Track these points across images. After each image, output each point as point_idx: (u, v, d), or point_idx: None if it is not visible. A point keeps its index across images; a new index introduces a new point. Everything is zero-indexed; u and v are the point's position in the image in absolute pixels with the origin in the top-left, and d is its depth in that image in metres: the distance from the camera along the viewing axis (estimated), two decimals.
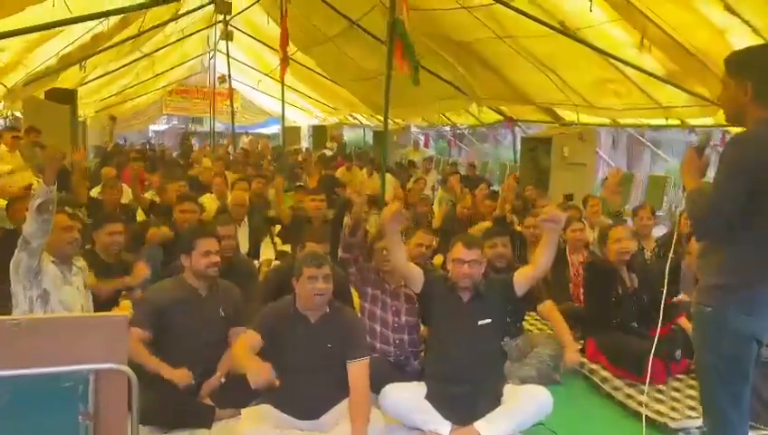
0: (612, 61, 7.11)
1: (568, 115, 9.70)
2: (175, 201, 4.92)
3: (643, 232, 4.89)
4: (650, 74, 6.65)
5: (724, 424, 2.17)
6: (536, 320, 4.57)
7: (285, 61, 10.15)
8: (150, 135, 30.06)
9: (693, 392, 3.44)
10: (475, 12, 7.82)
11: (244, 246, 5.58)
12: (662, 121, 8.19)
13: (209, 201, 6.61)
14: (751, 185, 2.04)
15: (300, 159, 14.61)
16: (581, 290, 4.37)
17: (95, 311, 3.45)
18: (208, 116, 20.70)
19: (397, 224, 3.11)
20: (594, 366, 3.78)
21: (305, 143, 23.51)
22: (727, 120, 2.27)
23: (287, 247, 5.77)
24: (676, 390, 3.50)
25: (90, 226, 3.88)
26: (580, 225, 4.65)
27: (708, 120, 7.58)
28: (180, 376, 2.98)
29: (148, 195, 6.23)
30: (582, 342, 4.03)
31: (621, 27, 6.54)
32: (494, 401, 2.99)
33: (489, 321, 3.12)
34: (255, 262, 5.38)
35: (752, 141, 2.07)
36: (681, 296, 4.27)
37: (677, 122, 8.02)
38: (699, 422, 3.06)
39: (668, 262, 2.81)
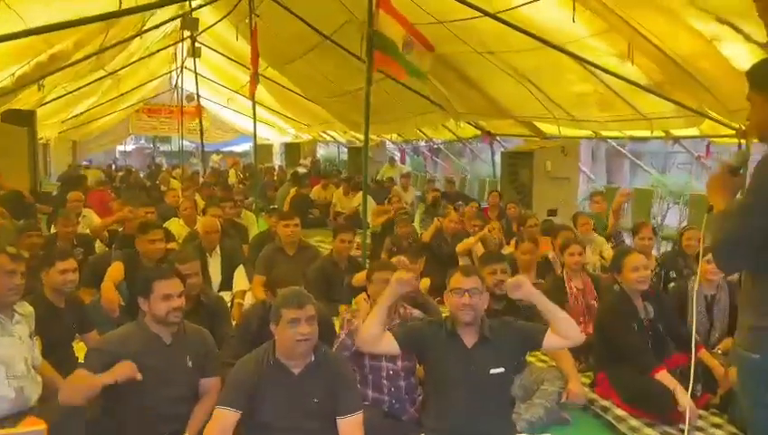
0: (595, 73, 6.92)
1: (548, 128, 9.50)
2: (137, 230, 4.46)
3: (644, 252, 4.60)
4: (636, 84, 6.45)
5: None
6: (535, 353, 4.18)
7: (255, 77, 9.75)
8: (116, 156, 29.34)
9: (719, 432, 3.12)
10: (451, 27, 7.58)
11: (216, 277, 5.15)
12: (646, 133, 8.00)
13: (177, 227, 6.18)
14: None
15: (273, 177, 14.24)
16: (582, 319, 4.05)
17: (44, 355, 3.01)
18: (177, 135, 20.15)
19: (402, 291, 2.78)
20: (606, 403, 3.43)
21: (278, 161, 23.10)
22: (756, 135, 1.99)
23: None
24: (700, 429, 3.18)
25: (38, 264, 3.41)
26: (577, 247, 4.32)
27: (693, 131, 7.45)
28: (121, 371, 2.57)
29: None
30: (591, 374, 3.70)
31: (603, 40, 6.34)
32: None
33: (502, 371, 2.77)
34: (228, 293, 4.95)
35: None
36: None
37: (662, 134, 7.85)
38: None
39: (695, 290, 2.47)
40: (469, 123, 10.99)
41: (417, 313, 3.41)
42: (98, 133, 22.30)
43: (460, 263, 5.12)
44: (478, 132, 11.28)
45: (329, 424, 2.52)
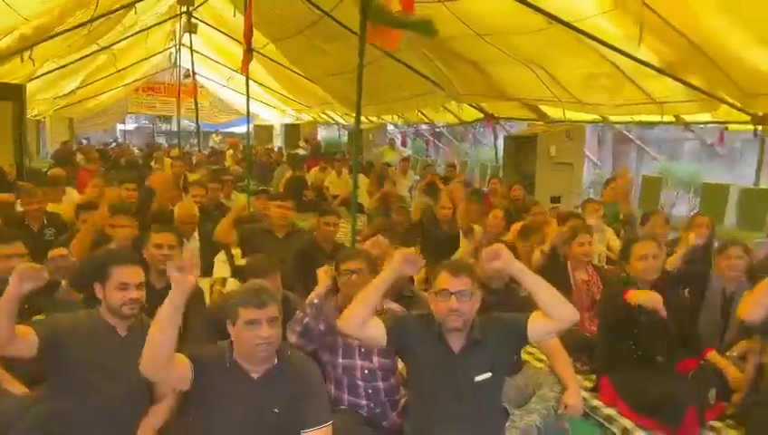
0: (604, 54, 6.56)
1: (553, 112, 9.14)
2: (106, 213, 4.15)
3: (656, 242, 4.25)
4: (647, 64, 6.09)
5: None
6: (531, 352, 3.85)
7: (249, 52, 9.35)
8: (117, 135, 29.02)
9: None
10: (451, 8, 7.20)
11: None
12: (656, 118, 7.64)
13: None
14: None
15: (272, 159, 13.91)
16: (588, 314, 3.73)
17: None
18: (175, 115, 19.79)
19: (406, 272, 2.43)
20: (611, 412, 3.13)
21: (278, 142, 22.75)
22: None
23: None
24: None
25: None
26: (587, 237, 3.98)
27: (706, 117, 7.09)
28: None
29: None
30: (594, 378, 3.38)
31: (613, 19, 5.97)
32: None
33: (489, 375, 2.43)
34: (208, 280, 4.65)
35: None
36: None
37: (672, 119, 7.48)
38: None
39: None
40: (471, 105, 10.61)
41: (395, 307, 3.09)
42: (97, 111, 21.91)
43: (461, 242, 4.78)
44: (481, 115, 10.90)
45: None
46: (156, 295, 2.67)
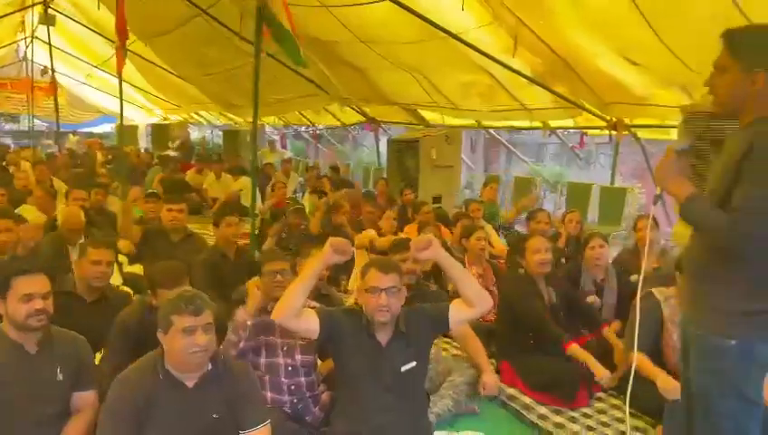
0: (481, 64, 7.02)
1: (432, 117, 9.58)
2: None
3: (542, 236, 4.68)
4: (522, 75, 6.62)
5: None
6: (446, 342, 4.09)
7: (123, 51, 8.83)
8: None
9: (619, 414, 3.20)
10: (336, 13, 7.34)
11: None
12: (526, 123, 8.30)
13: (31, 214, 5.41)
14: None
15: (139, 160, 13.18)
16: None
17: None
18: (26, 113, 18.04)
19: (336, 260, 2.50)
20: (512, 391, 3.42)
21: (143, 143, 21.55)
22: (720, 108, 1.92)
23: (137, 268, 4.83)
24: (602, 412, 3.25)
25: None
26: (483, 233, 4.32)
27: (569, 123, 7.82)
28: None
29: None
30: (494, 362, 3.67)
31: (490, 33, 6.44)
32: None
33: (414, 365, 2.59)
34: None
35: None
36: (592, 299, 4.06)
37: (540, 124, 8.17)
38: None
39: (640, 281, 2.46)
40: (353, 108, 10.81)
41: (315, 304, 3.15)
42: None
43: (356, 255, 4.91)
44: (362, 118, 11.14)
45: None
46: (86, 309, 2.55)
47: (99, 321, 3.08)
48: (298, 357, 2.92)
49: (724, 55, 1.82)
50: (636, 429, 3.05)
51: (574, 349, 3.31)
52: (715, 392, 1.86)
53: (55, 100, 12.09)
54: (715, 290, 1.86)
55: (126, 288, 4.18)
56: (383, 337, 2.58)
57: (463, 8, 5.95)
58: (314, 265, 2.50)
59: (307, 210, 6.89)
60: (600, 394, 3.43)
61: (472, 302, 2.53)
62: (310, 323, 2.50)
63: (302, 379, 2.93)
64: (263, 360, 2.89)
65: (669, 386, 2.92)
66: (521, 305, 3.46)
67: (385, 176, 9.27)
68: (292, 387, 2.90)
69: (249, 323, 2.77)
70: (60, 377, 2.42)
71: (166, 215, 4.74)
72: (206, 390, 2.22)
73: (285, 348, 2.91)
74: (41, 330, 2.40)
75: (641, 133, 7.20)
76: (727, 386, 1.82)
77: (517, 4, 5.66)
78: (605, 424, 3.13)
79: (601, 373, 3.18)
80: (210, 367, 2.25)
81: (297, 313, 2.45)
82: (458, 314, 2.59)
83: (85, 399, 2.48)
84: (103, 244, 3.42)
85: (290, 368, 2.90)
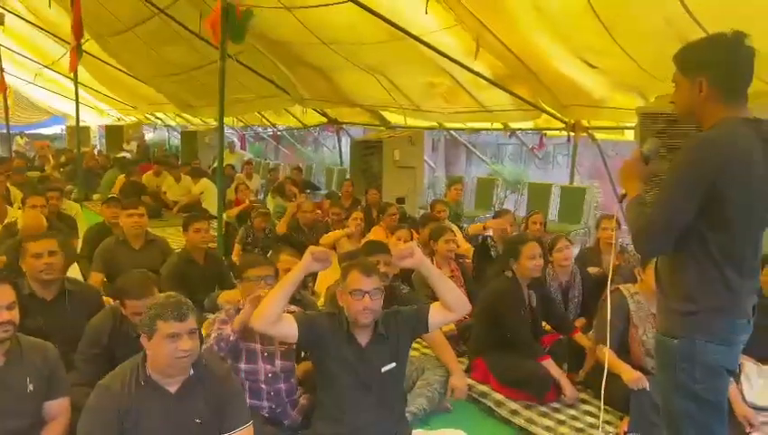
0: (443, 66, 7.11)
1: (394, 118, 9.64)
2: None
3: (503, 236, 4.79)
4: (484, 77, 6.74)
5: None
6: (417, 342, 4.12)
7: (77, 51, 8.63)
8: None
9: (587, 408, 3.33)
10: (298, 15, 7.33)
11: None
12: (487, 124, 8.45)
13: None
14: (708, 194, 1.79)
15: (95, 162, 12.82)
16: None
17: None
18: None
19: (316, 268, 2.53)
20: (484, 388, 3.50)
21: (96, 144, 20.99)
22: (683, 118, 2.05)
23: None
24: (572, 407, 3.34)
25: None
26: (452, 234, 4.39)
27: (529, 124, 8.00)
28: None
29: None
30: (465, 360, 3.74)
31: (453, 35, 6.54)
32: None
33: (393, 365, 2.64)
34: None
35: (715, 143, 1.83)
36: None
37: (500, 125, 8.33)
38: None
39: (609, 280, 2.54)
40: (315, 110, 10.78)
41: (293, 308, 3.17)
42: None
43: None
44: (324, 120, 11.13)
45: None
46: (45, 308, 2.49)
47: (64, 318, 3.05)
48: (278, 362, 2.93)
49: (675, 73, 1.97)
50: (605, 422, 3.16)
51: (549, 364, 3.43)
52: (670, 391, 1.96)
53: (5, 100, 11.66)
54: (664, 292, 1.99)
55: None
56: (363, 339, 2.62)
57: (426, 12, 6.04)
58: (294, 273, 2.51)
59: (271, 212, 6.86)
60: None
61: (451, 307, 2.60)
62: (287, 329, 2.52)
63: (282, 385, 2.94)
64: (242, 365, 2.88)
65: (634, 376, 3.06)
66: (504, 314, 3.52)
67: (348, 177, 9.28)
68: (272, 393, 2.91)
69: (232, 338, 2.75)
70: (30, 388, 2.36)
71: (126, 221, 4.59)
72: (188, 395, 2.22)
73: (266, 354, 2.91)
74: (7, 341, 2.34)
75: (598, 135, 7.41)
76: (679, 385, 1.91)
77: (479, 7, 5.75)
78: (574, 417, 3.23)
79: (569, 392, 3.33)
80: (192, 372, 2.24)
81: (276, 320, 2.46)
82: (437, 317, 2.65)
83: (58, 406, 2.44)
84: (40, 235, 3.31)
85: (270, 374, 2.90)
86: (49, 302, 3.15)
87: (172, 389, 2.21)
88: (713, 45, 1.92)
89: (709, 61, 1.88)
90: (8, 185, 7.19)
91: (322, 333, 2.60)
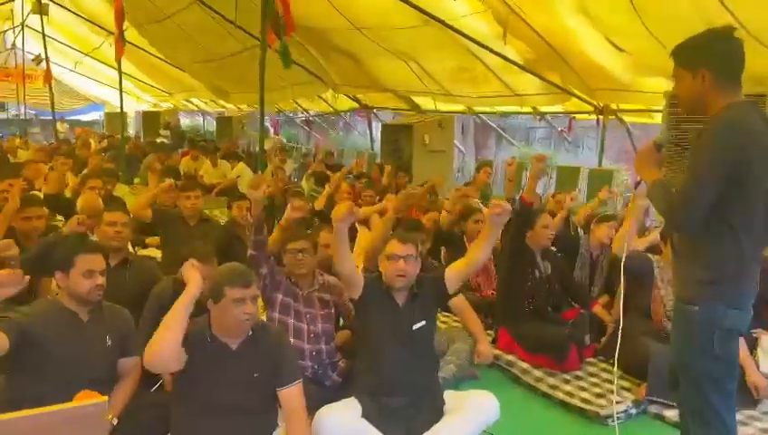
0: (473, 51, 7.26)
1: (425, 103, 9.82)
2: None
3: None
4: (513, 62, 6.88)
5: (720, 428, 2.10)
6: (447, 317, 4.40)
7: (121, 39, 9.00)
8: None
9: (607, 376, 3.54)
10: (333, 1, 7.54)
11: None
12: (516, 108, 8.58)
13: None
14: (732, 172, 1.97)
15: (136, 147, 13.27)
16: (483, 280, 4.34)
17: None
18: (15, 101, 18.05)
19: (347, 224, 2.77)
20: (510, 358, 3.74)
21: (132, 131, 21.56)
22: (688, 112, 2.23)
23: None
24: (593, 375, 3.57)
25: None
26: (481, 215, 4.63)
27: (558, 108, 8.11)
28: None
29: None
30: (492, 332, 3.98)
31: (483, 19, 6.67)
32: (437, 411, 2.79)
33: (424, 323, 2.93)
34: None
35: (735, 125, 2.00)
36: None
37: (530, 109, 8.45)
38: (622, 407, 3.15)
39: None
40: (346, 95, 11.02)
41: (332, 279, 3.43)
42: None
43: (359, 230, 5.20)
44: (355, 105, 11.35)
45: (268, 398, 2.51)
46: (110, 274, 2.80)
47: (125, 285, 3.37)
48: (320, 325, 3.23)
49: (675, 68, 2.15)
50: (623, 388, 3.38)
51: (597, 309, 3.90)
52: (689, 353, 2.15)
53: (50, 89, 12.17)
54: (684, 264, 2.18)
55: None
56: (400, 299, 2.93)
57: None
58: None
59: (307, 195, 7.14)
60: (591, 359, 3.76)
61: (475, 262, 2.99)
62: (359, 280, 2.90)
63: (323, 346, 3.23)
64: (291, 321, 3.18)
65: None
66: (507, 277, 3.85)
67: (379, 161, 9.51)
68: (314, 353, 3.20)
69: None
70: (109, 343, 2.69)
71: (184, 202, 4.94)
72: (248, 352, 2.50)
73: (308, 316, 3.22)
74: (98, 302, 2.67)
75: (626, 117, 7.51)
76: (699, 348, 2.10)
77: None
78: (595, 384, 3.46)
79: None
80: (251, 332, 2.53)
81: (352, 265, 2.87)
82: (453, 277, 2.98)
83: (131, 363, 2.76)
84: (117, 207, 3.79)
85: (312, 335, 3.20)
86: (112, 268, 3.48)
87: (233, 346, 2.49)
88: (711, 39, 2.10)
89: (709, 53, 2.07)
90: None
91: (371, 291, 2.92)
